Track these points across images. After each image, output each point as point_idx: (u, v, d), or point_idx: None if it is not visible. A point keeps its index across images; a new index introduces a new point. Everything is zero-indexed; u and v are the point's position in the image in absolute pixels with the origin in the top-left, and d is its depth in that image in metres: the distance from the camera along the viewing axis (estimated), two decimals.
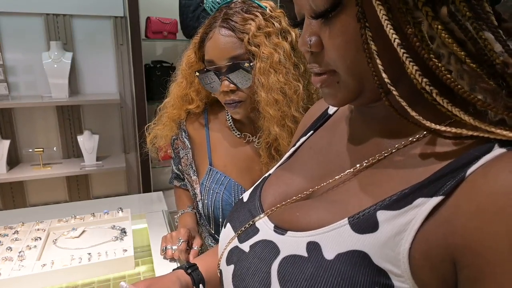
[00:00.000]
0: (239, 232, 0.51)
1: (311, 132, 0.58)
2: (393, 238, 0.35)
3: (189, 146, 1.01)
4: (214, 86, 0.87)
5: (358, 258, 0.36)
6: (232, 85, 0.84)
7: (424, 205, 0.34)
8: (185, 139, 1.01)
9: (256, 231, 0.48)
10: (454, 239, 0.32)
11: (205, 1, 0.88)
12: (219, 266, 0.54)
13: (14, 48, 2.12)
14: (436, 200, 0.33)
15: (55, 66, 2.08)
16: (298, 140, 0.60)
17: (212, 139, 0.99)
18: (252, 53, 0.81)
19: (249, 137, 0.97)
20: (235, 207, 0.58)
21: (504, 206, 0.29)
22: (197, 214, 1.06)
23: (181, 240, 0.92)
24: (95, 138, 2.23)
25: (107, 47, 2.30)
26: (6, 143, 2.08)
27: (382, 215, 0.36)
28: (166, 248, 0.94)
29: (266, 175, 0.59)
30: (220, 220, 0.95)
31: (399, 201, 0.36)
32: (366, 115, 0.47)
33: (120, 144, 2.50)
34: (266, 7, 0.85)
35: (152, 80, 2.24)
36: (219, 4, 0.87)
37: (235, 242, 0.51)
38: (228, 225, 0.54)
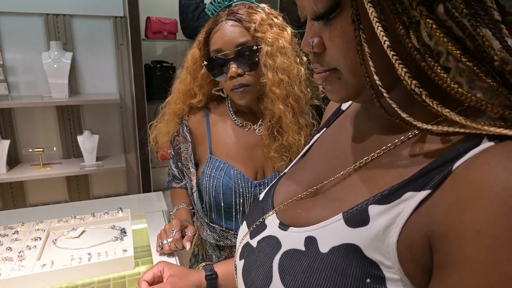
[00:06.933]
0: (251, 229, 0.53)
1: (324, 129, 0.59)
2: (383, 231, 0.36)
3: (190, 140, 1.05)
4: (222, 73, 0.93)
5: (351, 251, 0.37)
6: (240, 70, 0.90)
7: (412, 199, 0.35)
8: (186, 133, 1.05)
9: (264, 227, 0.51)
10: (432, 227, 0.33)
11: (207, 5, 0.96)
12: (235, 262, 0.56)
13: (14, 48, 2.12)
14: (424, 194, 0.34)
15: (55, 66, 2.08)
16: (313, 137, 0.61)
17: (213, 130, 1.04)
18: (258, 40, 0.90)
19: (250, 125, 1.03)
20: (252, 206, 0.61)
21: (479, 196, 0.30)
22: (194, 207, 1.09)
23: (175, 231, 0.94)
24: (95, 138, 2.23)
25: (107, 47, 2.30)
26: (6, 143, 2.08)
27: (373, 210, 0.37)
28: (162, 243, 0.96)
29: (282, 174, 0.61)
30: (222, 205, 1.00)
31: (389, 196, 0.37)
32: (369, 111, 0.48)
33: (120, 144, 2.50)
34: (264, 7, 0.95)
35: (152, 80, 2.24)
36: (220, 7, 0.94)
37: (247, 238, 0.53)
38: (244, 222, 0.57)
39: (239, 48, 0.89)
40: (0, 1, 2.01)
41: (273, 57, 0.88)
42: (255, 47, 0.89)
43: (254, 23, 0.89)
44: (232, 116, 1.04)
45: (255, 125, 1.02)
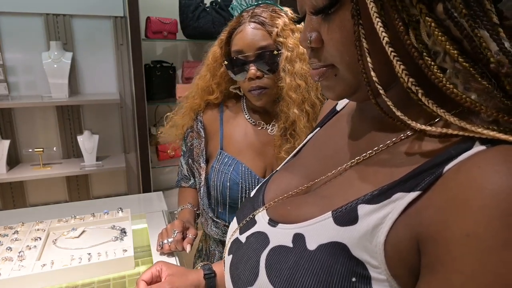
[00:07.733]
0: (241, 224, 0.53)
1: (318, 129, 0.60)
2: (371, 231, 0.36)
3: (203, 135, 1.07)
4: (241, 74, 0.95)
5: (338, 249, 0.38)
6: (259, 72, 0.92)
7: (402, 200, 0.35)
8: (200, 128, 1.08)
9: (254, 223, 0.51)
10: (420, 229, 0.33)
11: (232, 4, 0.98)
12: (224, 257, 0.57)
13: (14, 48, 2.12)
14: (413, 195, 0.34)
15: (55, 66, 2.08)
16: (306, 137, 0.62)
17: (226, 126, 1.07)
18: (279, 44, 0.91)
19: (263, 124, 1.04)
20: (243, 203, 0.61)
21: (468, 199, 0.30)
22: (199, 204, 1.10)
23: (176, 231, 0.95)
24: (95, 138, 2.23)
25: (107, 47, 2.30)
26: (6, 143, 2.08)
27: (362, 209, 0.37)
28: (162, 243, 0.96)
29: (274, 171, 0.62)
30: (228, 200, 1.01)
31: (379, 196, 0.37)
32: (364, 111, 0.48)
33: (120, 144, 2.50)
34: (287, 11, 0.97)
35: (152, 80, 2.24)
36: (245, 7, 0.96)
37: (237, 234, 0.53)
38: (235, 218, 0.57)
39: (260, 51, 0.91)
40: (0, 1, 2.01)
41: (292, 63, 0.90)
42: (275, 52, 0.91)
43: (277, 27, 0.90)
44: (246, 114, 1.06)
45: (268, 125, 1.04)
